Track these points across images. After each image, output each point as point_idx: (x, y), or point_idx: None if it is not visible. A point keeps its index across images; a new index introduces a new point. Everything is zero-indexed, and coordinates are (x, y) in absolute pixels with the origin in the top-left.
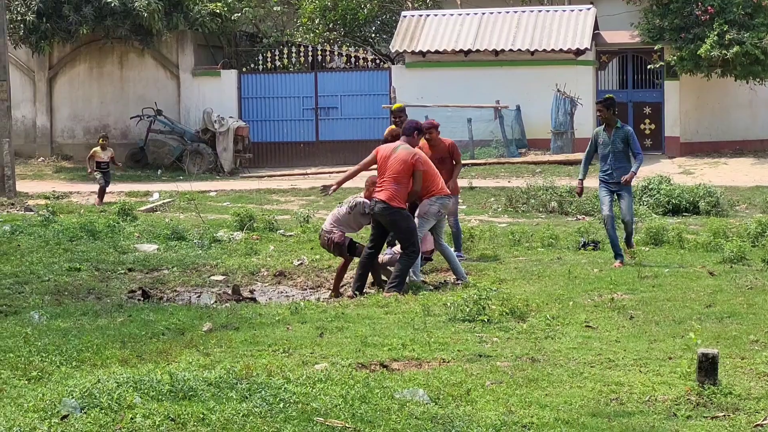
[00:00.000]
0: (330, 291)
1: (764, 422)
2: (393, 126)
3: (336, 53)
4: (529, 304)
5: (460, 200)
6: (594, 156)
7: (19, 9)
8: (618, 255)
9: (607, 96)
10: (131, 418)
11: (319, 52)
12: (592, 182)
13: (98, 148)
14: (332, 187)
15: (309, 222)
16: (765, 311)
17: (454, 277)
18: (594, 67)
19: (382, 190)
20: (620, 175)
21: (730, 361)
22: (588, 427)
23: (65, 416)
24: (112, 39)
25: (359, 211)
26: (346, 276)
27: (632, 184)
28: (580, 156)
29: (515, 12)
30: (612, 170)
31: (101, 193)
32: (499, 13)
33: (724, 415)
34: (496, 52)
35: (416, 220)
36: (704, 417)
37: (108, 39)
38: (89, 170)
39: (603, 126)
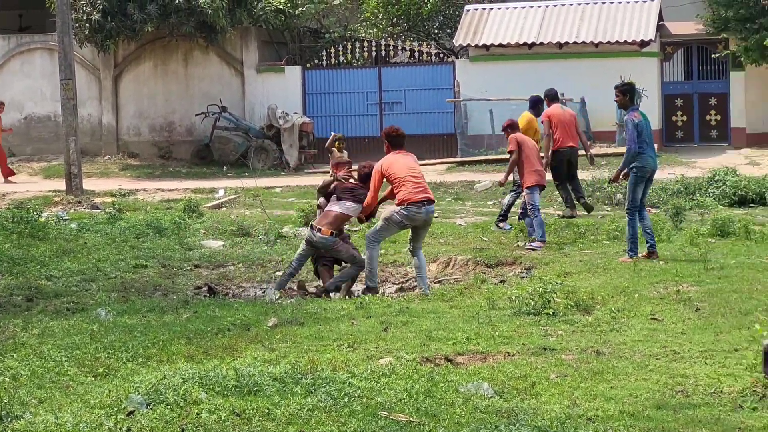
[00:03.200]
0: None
1: None
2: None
3: (399, 48)
4: (595, 296)
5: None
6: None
7: (84, 8)
8: (631, 249)
9: (626, 81)
10: (197, 414)
11: (383, 47)
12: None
13: (336, 152)
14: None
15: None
16: None
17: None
18: (659, 59)
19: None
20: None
21: None
22: (653, 420)
23: (131, 412)
24: (176, 36)
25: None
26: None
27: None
28: None
29: (579, 4)
30: None
31: None
32: (563, 5)
33: None
34: (560, 45)
35: (379, 222)
36: None
37: (172, 36)
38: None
39: None
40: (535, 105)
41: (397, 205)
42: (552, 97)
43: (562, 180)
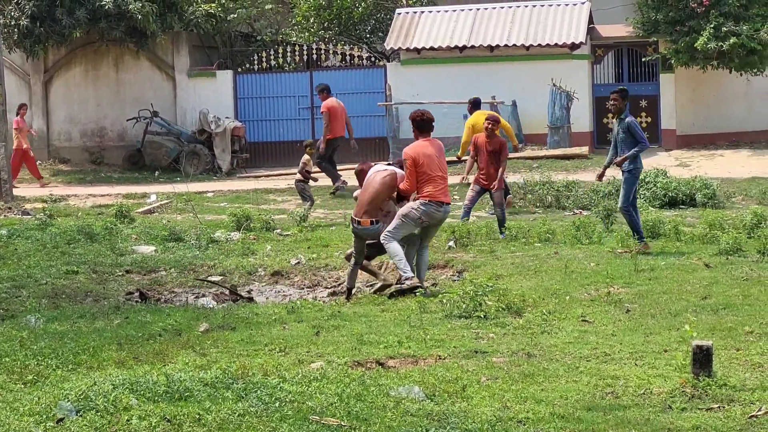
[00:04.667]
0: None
1: (759, 413)
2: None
3: (331, 52)
4: (526, 299)
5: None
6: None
7: (12, 14)
8: (640, 238)
9: (622, 87)
10: (127, 420)
11: (314, 51)
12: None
13: (307, 156)
14: None
15: (306, 221)
16: (760, 302)
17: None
18: (589, 61)
19: None
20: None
21: (726, 352)
22: (583, 421)
23: (61, 419)
24: (106, 41)
25: None
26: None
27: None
28: (577, 150)
29: (510, 7)
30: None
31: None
32: (494, 8)
33: (719, 407)
34: (491, 48)
35: (395, 220)
36: (699, 409)
37: (103, 41)
38: (311, 181)
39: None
40: (478, 105)
41: (417, 199)
42: (329, 90)
43: (327, 161)
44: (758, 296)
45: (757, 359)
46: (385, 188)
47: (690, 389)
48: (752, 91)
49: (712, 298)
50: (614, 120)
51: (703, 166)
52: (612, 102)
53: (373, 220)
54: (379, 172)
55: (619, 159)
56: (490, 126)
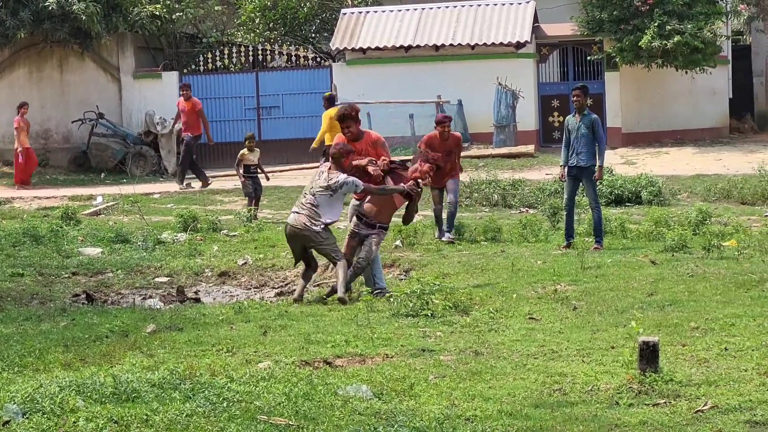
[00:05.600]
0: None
1: (704, 408)
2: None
3: (277, 52)
4: (473, 297)
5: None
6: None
7: None
8: (567, 237)
9: (583, 84)
10: (74, 422)
11: (260, 52)
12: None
13: (245, 150)
14: None
15: (252, 222)
16: (705, 298)
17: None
18: (535, 60)
19: None
20: (581, 160)
21: (672, 348)
22: (531, 418)
23: (6, 422)
24: (51, 42)
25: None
26: None
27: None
28: (523, 149)
29: (455, 7)
30: (574, 154)
31: (256, 203)
32: (439, 8)
33: (666, 402)
34: (436, 47)
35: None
36: (646, 404)
37: (47, 43)
38: (241, 179)
39: (573, 113)
40: (333, 101)
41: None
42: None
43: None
44: (703, 292)
45: (703, 354)
46: None
47: (637, 385)
48: (696, 89)
49: (658, 294)
50: (576, 116)
51: (649, 163)
52: (575, 98)
53: None
54: None
55: (598, 174)
56: (446, 130)
